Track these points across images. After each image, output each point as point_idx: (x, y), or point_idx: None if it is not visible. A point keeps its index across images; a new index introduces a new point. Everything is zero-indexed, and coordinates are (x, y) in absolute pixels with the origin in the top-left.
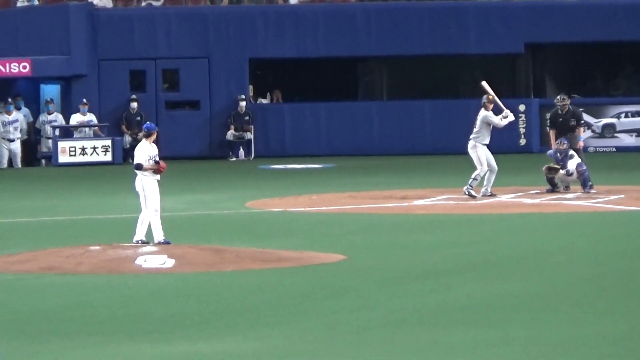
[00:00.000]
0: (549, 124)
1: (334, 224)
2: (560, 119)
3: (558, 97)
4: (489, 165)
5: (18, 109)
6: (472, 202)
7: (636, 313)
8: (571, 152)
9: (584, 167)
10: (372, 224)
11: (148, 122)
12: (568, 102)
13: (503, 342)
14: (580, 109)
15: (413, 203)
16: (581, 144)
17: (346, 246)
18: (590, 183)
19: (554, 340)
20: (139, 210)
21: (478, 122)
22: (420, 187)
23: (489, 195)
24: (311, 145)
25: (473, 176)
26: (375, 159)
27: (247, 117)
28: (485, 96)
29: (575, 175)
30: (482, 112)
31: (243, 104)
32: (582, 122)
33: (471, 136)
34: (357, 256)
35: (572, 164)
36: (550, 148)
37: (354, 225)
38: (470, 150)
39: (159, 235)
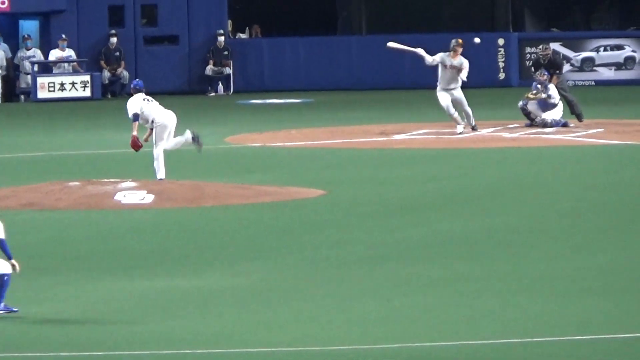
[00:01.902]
0: (533, 69)
1: (313, 158)
2: (545, 62)
3: (541, 46)
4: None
5: None
6: (452, 136)
7: (614, 247)
8: (550, 85)
9: (558, 120)
10: (351, 158)
11: (136, 80)
12: (550, 51)
13: (482, 276)
14: (559, 55)
15: (392, 137)
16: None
17: (325, 181)
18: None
19: (532, 274)
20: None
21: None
22: (399, 122)
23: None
24: (290, 80)
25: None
26: (354, 93)
27: (225, 52)
28: (454, 40)
29: (549, 120)
30: (462, 60)
31: (222, 38)
32: (558, 72)
33: (458, 85)
34: (336, 191)
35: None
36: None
37: (333, 160)
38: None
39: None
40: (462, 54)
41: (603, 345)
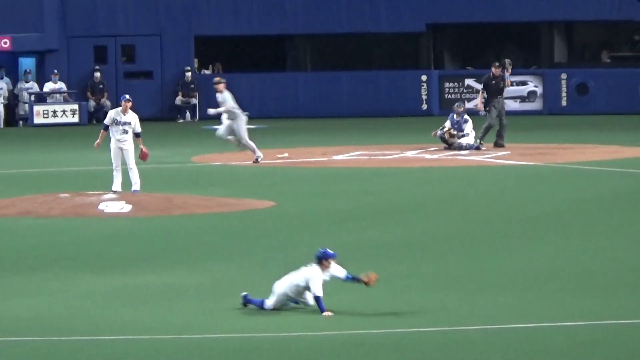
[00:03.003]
0: (482, 87)
1: (266, 175)
2: (493, 82)
3: (497, 62)
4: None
5: (0, 78)
6: (382, 157)
7: (518, 252)
8: (466, 116)
9: (472, 144)
10: (297, 175)
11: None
12: (501, 68)
13: (411, 275)
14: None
15: (332, 158)
16: (508, 82)
17: (275, 194)
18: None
19: (452, 273)
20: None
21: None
22: (338, 145)
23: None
24: (247, 109)
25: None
26: (301, 121)
27: (192, 85)
28: (216, 79)
29: (464, 144)
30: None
31: (189, 74)
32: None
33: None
34: (284, 203)
35: (468, 128)
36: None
37: (282, 177)
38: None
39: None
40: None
41: (508, 333)
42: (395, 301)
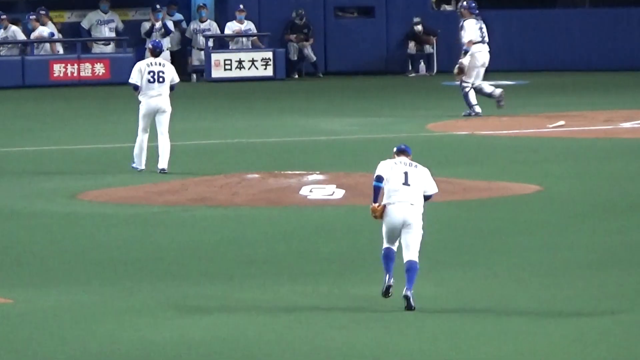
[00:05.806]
0: None
1: (528, 149)
2: None
3: None
4: None
5: (171, 16)
6: None
7: None
8: None
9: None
10: (571, 149)
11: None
12: None
13: None
14: None
15: (619, 126)
16: None
17: (541, 175)
18: None
19: None
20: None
21: None
22: (627, 108)
23: None
24: (501, 59)
25: None
26: (575, 75)
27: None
28: None
29: None
30: None
31: (419, 27)
32: None
33: None
34: (553, 187)
35: None
36: None
37: (550, 151)
38: None
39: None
40: None
41: None
42: None
